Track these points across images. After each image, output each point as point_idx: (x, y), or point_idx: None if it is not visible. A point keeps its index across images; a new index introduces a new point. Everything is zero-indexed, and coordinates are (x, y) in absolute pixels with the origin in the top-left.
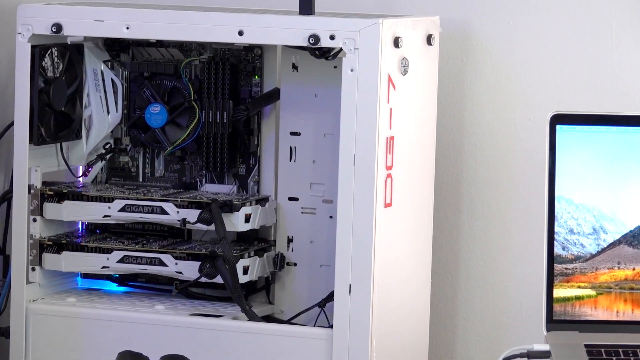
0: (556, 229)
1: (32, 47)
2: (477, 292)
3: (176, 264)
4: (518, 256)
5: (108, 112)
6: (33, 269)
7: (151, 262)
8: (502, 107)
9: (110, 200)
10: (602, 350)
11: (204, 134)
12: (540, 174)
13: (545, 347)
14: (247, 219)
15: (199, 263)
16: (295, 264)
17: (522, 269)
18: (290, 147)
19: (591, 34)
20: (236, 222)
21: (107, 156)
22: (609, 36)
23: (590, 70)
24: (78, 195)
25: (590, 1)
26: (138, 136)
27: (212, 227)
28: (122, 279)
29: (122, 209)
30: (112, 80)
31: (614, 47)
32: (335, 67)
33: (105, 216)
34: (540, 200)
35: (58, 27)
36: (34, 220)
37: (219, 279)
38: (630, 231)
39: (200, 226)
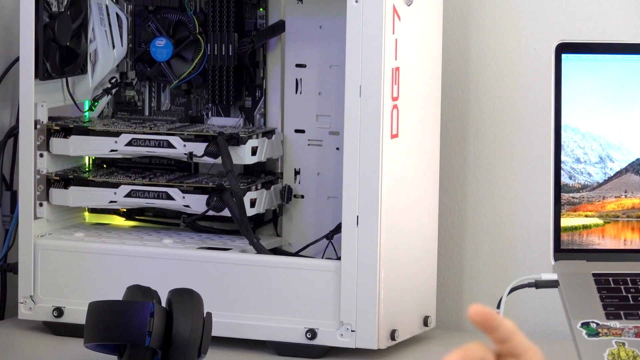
0: (563, 158)
1: None
2: (484, 221)
3: (183, 197)
4: (525, 185)
5: (113, 47)
6: (41, 205)
7: (158, 196)
8: (508, 37)
9: (116, 134)
10: (610, 278)
11: (209, 67)
12: (546, 103)
13: (553, 276)
14: (254, 151)
15: (207, 196)
16: (302, 197)
17: (529, 198)
18: (296, 79)
19: None
20: (243, 155)
21: (113, 90)
22: None
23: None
24: (84, 130)
25: None
26: (144, 70)
27: (219, 160)
28: (129, 214)
29: (129, 143)
30: (117, 14)
31: None
32: None
33: (112, 150)
34: (546, 129)
35: None
36: (41, 155)
37: (226, 212)
38: (637, 159)
39: (207, 159)
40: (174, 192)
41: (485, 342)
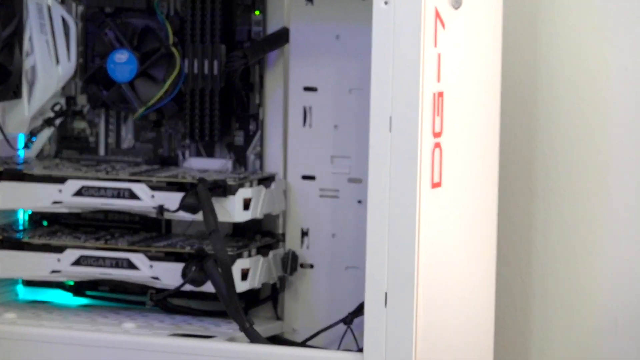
0: None
1: None
2: (556, 301)
3: (151, 266)
4: (611, 253)
5: (57, 62)
6: None
7: (117, 264)
8: (589, 53)
9: (61, 180)
10: None
11: (186, 91)
12: None
13: None
14: (247, 205)
15: (182, 265)
16: (311, 266)
17: (616, 271)
18: (304, 108)
19: None
20: (232, 210)
21: (57, 121)
22: None
23: None
24: (18, 175)
25: None
26: (98, 94)
27: (199, 217)
28: (78, 288)
29: (78, 193)
30: (63, 18)
31: None
32: None
33: (55, 202)
34: None
35: None
36: None
37: (209, 287)
38: None
39: (184, 215)
40: (138, 258)
41: None
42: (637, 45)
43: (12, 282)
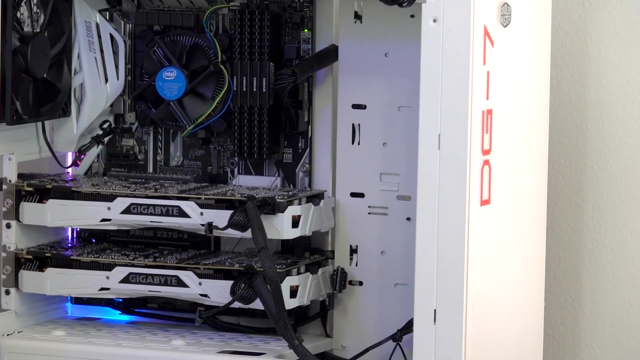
0: None
1: None
2: (607, 319)
3: (200, 283)
4: None
5: (106, 80)
6: (7, 292)
7: (166, 281)
8: (637, 69)
9: (110, 198)
10: None
11: (235, 108)
12: None
13: None
14: (296, 222)
15: (231, 283)
16: (360, 283)
17: None
18: (353, 125)
19: None
20: (280, 227)
21: (106, 139)
22: None
23: None
24: (67, 193)
25: None
26: (147, 112)
27: (248, 234)
28: (127, 305)
29: (127, 210)
30: (111, 35)
31: None
32: (412, 16)
33: (103, 220)
34: None
35: None
36: (8, 226)
37: (258, 304)
38: None
39: (233, 233)
40: (187, 276)
41: None
42: None
43: (61, 299)
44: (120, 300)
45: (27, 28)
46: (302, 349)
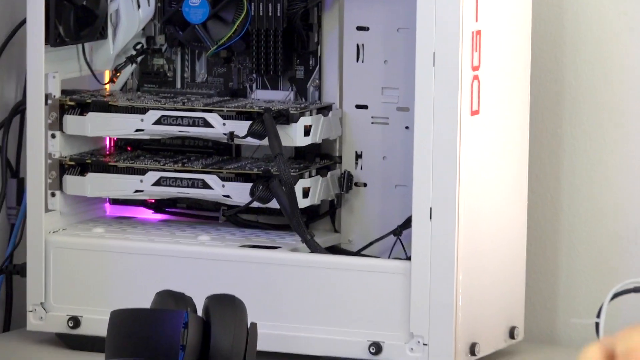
0: None
1: None
2: (583, 214)
3: (223, 186)
4: (632, 171)
5: (139, 6)
6: (53, 195)
7: (193, 184)
8: None
9: (143, 111)
10: None
11: (253, 30)
12: None
13: None
14: (307, 131)
15: (251, 185)
16: (365, 185)
17: (637, 187)
18: (357, 45)
19: None
20: (294, 136)
21: (139, 58)
22: None
23: None
24: (105, 106)
25: None
26: (175, 34)
27: (265, 142)
28: (158, 205)
29: (158, 122)
30: None
31: None
32: None
33: (137, 130)
34: None
35: None
36: (53, 136)
37: (274, 204)
38: None
39: (251, 141)
40: (211, 179)
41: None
42: None
43: (100, 200)
44: (153, 200)
45: None
46: (313, 242)
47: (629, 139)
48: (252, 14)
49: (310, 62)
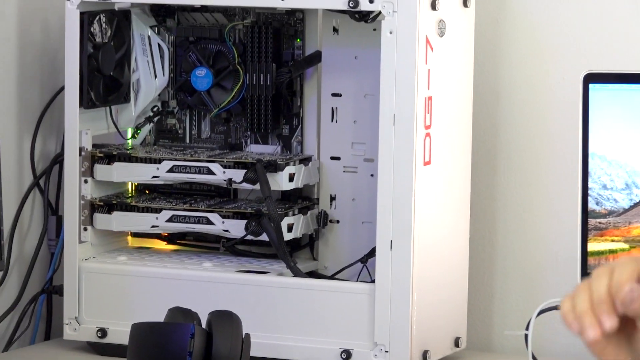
0: (590, 184)
1: (81, 13)
2: (514, 246)
3: (223, 222)
4: (553, 212)
5: (155, 76)
6: (85, 229)
7: (199, 221)
8: (537, 67)
9: (158, 161)
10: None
11: (248, 96)
12: (574, 131)
13: None
14: (291, 178)
15: (245, 221)
16: (337, 222)
17: (557, 224)
18: (332, 108)
19: None
20: (280, 181)
21: (155, 119)
22: None
23: (624, 30)
24: (127, 157)
25: None
26: (184, 99)
27: (257, 187)
28: (171, 238)
29: (170, 170)
30: (159, 44)
31: None
32: (374, 29)
33: (154, 177)
34: (574, 157)
35: None
36: (85, 181)
37: (264, 237)
38: None
39: (246, 186)
40: (213, 217)
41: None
42: (572, 60)
43: (124, 234)
44: (166, 234)
45: (98, 39)
46: (296, 268)
47: (552, 188)
48: (247, 82)
49: (294, 122)
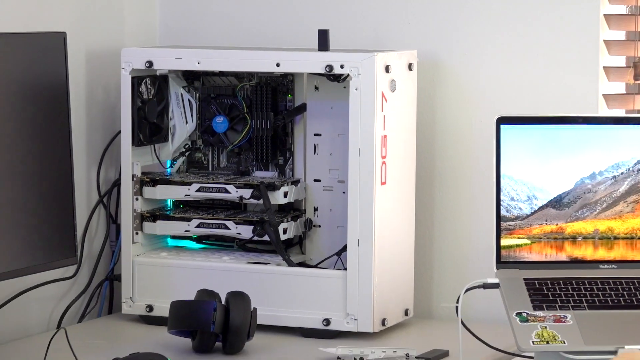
0: (502, 197)
1: (132, 78)
2: (448, 242)
3: (236, 227)
4: (477, 215)
5: (186, 122)
6: (137, 233)
7: (219, 226)
8: (463, 113)
9: (189, 184)
10: (536, 281)
11: (254, 136)
12: (490, 158)
13: (495, 280)
14: (285, 195)
15: (252, 226)
16: (319, 226)
17: (479, 227)
18: (315, 144)
19: (526, 59)
20: (278, 197)
21: (187, 153)
22: (539, 59)
23: (528, 86)
24: (167, 181)
25: (530, 35)
26: (208, 139)
27: (261, 202)
28: (199, 239)
29: (198, 190)
30: (189, 99)
31: (545, 66)
32: (344, 87)
33: (186, 195)
34: (491, 176)
35: (150, 63)
36: (136, 199)
37: (266, 238)
38: (554, 198)
39: (253, 201)
40: (229, 224)
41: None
42: (488, 106)
43: (164, 236)
44: (195, 236)
45: (145, 96)
46: (289, 260)
47: (475, 200)
48: (253, 126)
49: (287, 155)
